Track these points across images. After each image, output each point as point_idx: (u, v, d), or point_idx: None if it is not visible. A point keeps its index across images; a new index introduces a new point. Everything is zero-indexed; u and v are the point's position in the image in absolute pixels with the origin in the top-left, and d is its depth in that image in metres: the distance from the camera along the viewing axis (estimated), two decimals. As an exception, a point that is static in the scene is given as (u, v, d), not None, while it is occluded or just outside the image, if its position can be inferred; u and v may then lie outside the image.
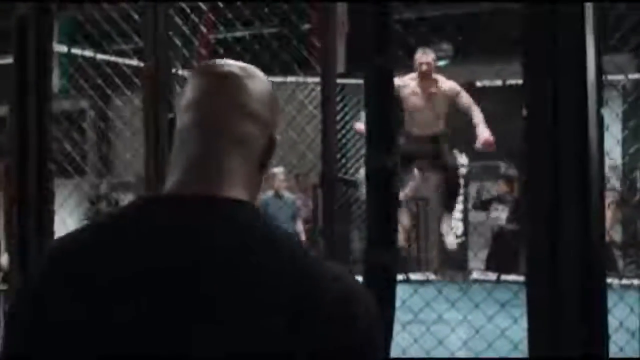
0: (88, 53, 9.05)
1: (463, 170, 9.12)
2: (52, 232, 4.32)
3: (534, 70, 3.34)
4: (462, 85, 10.58)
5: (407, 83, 7.97)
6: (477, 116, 7.80)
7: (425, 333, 4.02)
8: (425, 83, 7.96)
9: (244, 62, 1.59)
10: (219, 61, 1.58)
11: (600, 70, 3.29)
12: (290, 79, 9.88)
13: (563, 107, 3.22)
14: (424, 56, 7.98)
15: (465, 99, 7.96)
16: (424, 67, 7.92)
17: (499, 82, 9.82)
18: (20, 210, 4.18)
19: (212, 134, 1.46)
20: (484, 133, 7.62)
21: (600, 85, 3.31)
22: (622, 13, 7.07)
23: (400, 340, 3.60)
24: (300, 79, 9.97)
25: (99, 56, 9.04)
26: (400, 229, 9.32)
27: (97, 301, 1.34)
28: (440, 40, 11.34)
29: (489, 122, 7.84)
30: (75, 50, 9.16)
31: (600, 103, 3.28)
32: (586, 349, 3.07)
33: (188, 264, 1.33)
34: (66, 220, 6.45)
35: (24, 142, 4.16)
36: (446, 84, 7.97)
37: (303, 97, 10.29)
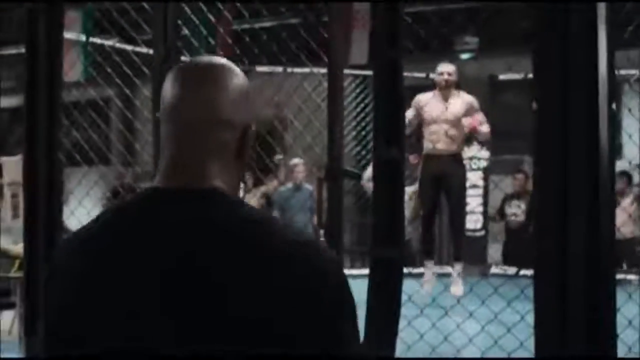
0: (108, 42, 9.09)
1: (484, 163, 9.09)
2: (61, 222, 4.33)
3: (545, 64, 3.30)
4: (485, 78, 10.62)
5: (427, 97, 8.07)
6: (486, 128, 8.02)
7: (430, 328, 3.99)
8: (445, 93, 8.00)
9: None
10: (195, 60, 1.73)
11: (611, 65, 3.25)
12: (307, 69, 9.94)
13: (574, 102, 3.19)
14: (445, 67, 8.06)
15: (480, 115, 8.02)
16: (445, 77, 7.96)
17: (520, 76, 9.75)
18: (30, 200, 4.19)
19: (189, 138, 1.62)
20: (477, 121, 7.88)
21: (612, 79, 3.27)
22: (637, 6, 6.99)
23: (405, 336, 3.58)
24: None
25: (123, 45, 9.06)
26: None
27: (113, 280, 1.55)
28: (465, 33, 11.31)
29: (511, 115, 7.81)
30: (96, 40, 9.20)
31: (611, 98, 3.25)
32: (593, 347, 3.04)
33: (183, 245, 1.53)
34: (91, 211, 6.45)
35: (33, 132, 4.17)
36: (466, 97, 8.02)
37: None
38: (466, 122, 7.83)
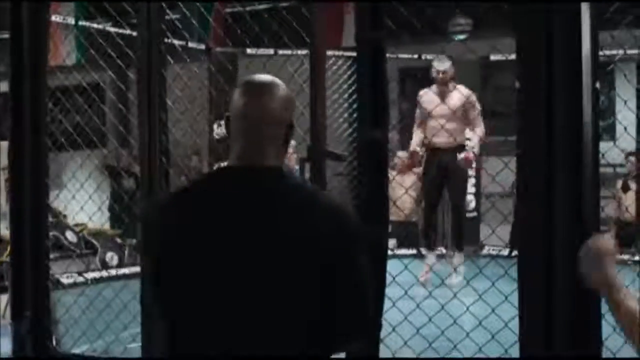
0: (97, 26, 9.06)
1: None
2: (46, 205, 4.33)
3: (528, 43, 3.28)
4: (476, 59, 10.58)
5: (427, 92, 8.28)
6: (477, 134, 8.11)
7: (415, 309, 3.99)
8: (442, 90, 8.19)
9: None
10: (254, 78, 2.45)
11: (595, 44, 3.23)
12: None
13: (557, 80, 3.17)
14: (440, 64, 8.23)
15: (476, 112, 8.17)
16: (440, 75, 8.16)
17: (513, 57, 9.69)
18: (15, 183, 4.19)
19: (253, 133, 2.36)
20: (470, 152, 8.00)
21: (596, 58, 3.25)
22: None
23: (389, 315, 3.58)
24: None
25: (112, 29, 9.01)
26: (407, 202, 9.46)
27: (204, 229, 2.30)
28: (459, 14, 11.26)
29: (505, 95, 7.82)
30: (84, 23, 9.18)
31: (595, 76, 3.23)
32: (579, 330, 3.03)
33: (251, 204, 2.29)
34: (88, 190, 6.47)
35: (18, 115, 4.16)
36: (463, 92, 8.15)
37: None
38: (460, 158, 7.99)
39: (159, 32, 4.14)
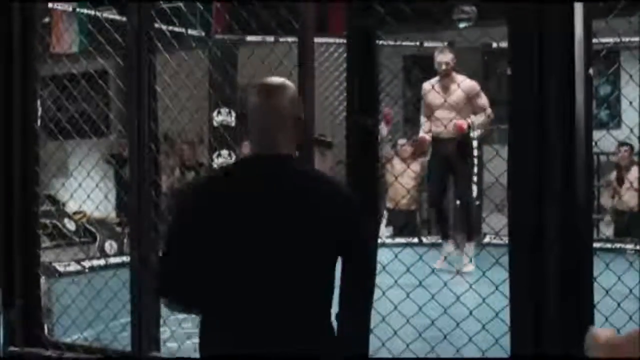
0: (97, 13, 9.03)
1: (479, 133, 9.00)
2: (35, 193, 4.30)
3: (520, 29, 3.24)
4: (479, 46, 10.54)
5: (432, 83, 8.26)
6: (482, 117, 8.11)
7: (405, 299, 3.95)
8: (445, 82, 8.17)
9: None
10: (267, 80, 2.89)
11: (589, 31, 3.19)
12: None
13: (549, 67, 3.12)
14: (442, 56, 8.17)
15: (483, 100, 8.13)
16: (443, 67, 8.11)
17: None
18: (4, 171, 4.16)
19: (269, 127, 2.84)
20: (466, 121, 8.02)
21: (589, 45, 3.20)
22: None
23: (379, 306, 3.54)
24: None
25: (113, 16, 8.98)
26: (404, 190, 9.46)
27: (223, 214, 2.80)
28: (463, 3, 11.21)
29: (504, 84, 7.75)
30: (85, 10, 9.15)
31: (588, 63, 3.18)
32: (569, 317, 3.00)
33: (271, 192, 2.78)
34: (94, 178, 6.46)
35: (8, 102, 4.13)
36: (466, 83, 8.08)
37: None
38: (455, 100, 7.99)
39: (149, 18, 4.11)
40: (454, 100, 7.90)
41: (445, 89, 8.08)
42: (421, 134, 8.41)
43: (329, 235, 2.78)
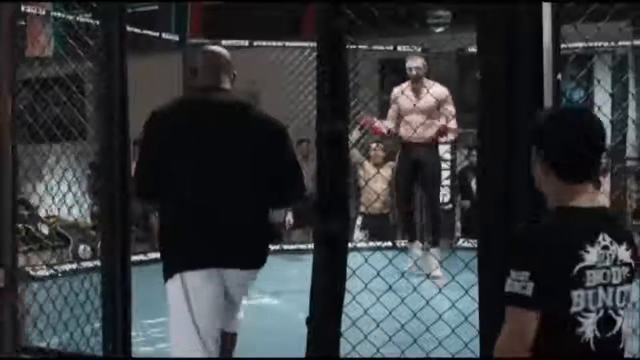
0: (71, 17, 9.00)
1: (451, 137, 9.03)
2: (9, 197, 4.28)
3: (489, 35, 3.25)
4: (454, 51, 10.57)
5: (402, 88, 8.33)
6: (451, 125, 8.24)
7: (375, 303, 3.97)
8: (415, 86, 8.29)
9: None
10: (210, 45, 4.13)
11: (557, 36, 3.21)
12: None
13: (518, 72, 3.14)
14: (412, 61, 8.32)
15: (450, 108, 8.25)
16: (413, 72, 8.26)
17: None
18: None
19: (213, 74, 3.92)
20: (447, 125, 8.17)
21: (557, 50, 3.22)
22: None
23: (350, 310, 3.55)
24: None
25: (87, 20, 8.94)
26: (374, 195, 9.49)
27: (185, 131, 3.75)
28: (437, 7, 11.26)
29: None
30: (58, 14, 9.12)
31: (556, 68, 3.21)
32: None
33: (220, 113, 3.84)
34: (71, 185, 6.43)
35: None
36: (436, 89, 8.17)
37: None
38: (438, 124, 8.13)
39: (122, 21, 4.11)
40: (423, 105, 8.01)
41: (416, 93, 8.18)
42: (377, 123, 8.50)
43: (262, 149, 3.78)
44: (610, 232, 2.42)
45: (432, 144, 8.33)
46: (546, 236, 2.39)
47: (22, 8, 8.12)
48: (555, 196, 2.48)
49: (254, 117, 3.87)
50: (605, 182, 9.75)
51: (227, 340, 4.03)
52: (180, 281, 3.68)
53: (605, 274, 2.38)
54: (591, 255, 2.35)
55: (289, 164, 3.92)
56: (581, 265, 2.33)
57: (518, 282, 2.33)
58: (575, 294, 2.32)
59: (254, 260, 3.86)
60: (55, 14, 9.59)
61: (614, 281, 2.40)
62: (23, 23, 9.09)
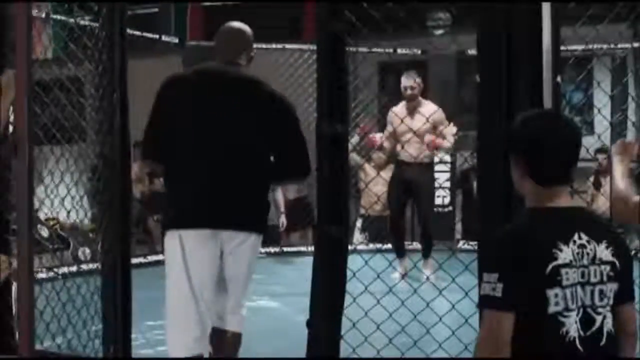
0: (70, 19, 9.01)
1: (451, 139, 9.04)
2: (6, 199, 4.27)
3: (488, 37, 3.25)
4: (454, 54, 10.57)
5: (397, 109, 8.31)
6: (448, 143, 8.22)
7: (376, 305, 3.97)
8: (411, 106, 8.26)
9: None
10: (230, 23, 4.20)
11: (557, 38, 3.21)
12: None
13: (517, 74, 3.14)
14: (408, 80, 8.26)
15: (446, 130, 8.18)
16: (409, 91, 8.21)
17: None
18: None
19: (232, 48, 4.07)
20: (438, 139, 8.12)
21: (557, 53, 3.23)
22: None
23: (350, 312, 3.56)
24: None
25: (87, 23, 8.94)
26: (375, 197, 9.48)
27: (195, 100, 3.94)
28: (438, 9, 11.27)
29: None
30: (56, 16, 9.13)
31: (556, 70, 3.21)
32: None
33: (230, 86, 3.98)
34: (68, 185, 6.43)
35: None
36: (431, 109, 8.11)
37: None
38: (427, 139, 8.07)
39: (123, 23, 4.13)
40: (417, 126, 7.91)
41: (411, 113, 8.16)
42: (373, 135, 8.53)
43: (270, 122, 3.93)
44: (588, 230, 2.42)
45: (426, 163, 8.33)
46: (517, 236, 2.41)
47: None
48: (533, 198, 2.50)
49: (264, 92, 3.99)
50: (606, 184, 9.75)
51: (228, 340, 4.03)
52: (177, 238, 3.83)
53: (583, 273, 2.38)
54: (565, 254, 2.35)
55: (296, 140, 3.99)
56: (554, 263, 2.33)
57: (488, 284, 2.34)
58: (551, 293, 2.33)
59: (251, 223, 3.97)
60: (55, 16, 9.59)
61: (592, 280, 2.40)
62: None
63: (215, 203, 3.87)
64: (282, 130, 3.97)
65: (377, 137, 8.43)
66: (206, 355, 3.84)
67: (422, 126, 7.84)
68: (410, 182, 8.21)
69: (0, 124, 4.04)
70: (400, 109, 8.27)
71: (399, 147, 8.22)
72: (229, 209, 3.90)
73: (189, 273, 3.81)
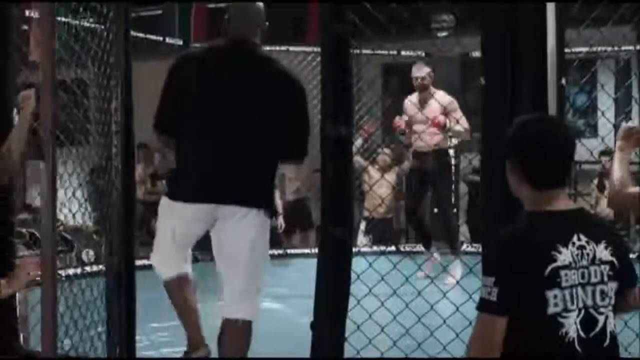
0: (72, 21, 9.02)
1: (455, 141, 9.02)
2: (7, 202, 4.27)
3: (493, 40, 3.26)
4: (457, 56, 10.58)
5: (410, 98, 8.37)
6: (460, 127, 8.07)
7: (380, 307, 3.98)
8: (422, 96, 8.27)
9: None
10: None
11: (561, 40, 3.21)
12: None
13: (521, 77, 3.15)
14: (418, 71, 8.28)
15: (458, 115, 8.07)
16: (419, 81, 8.22)
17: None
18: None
19: (245, 26, 4.10)
20: (442, 118, 8.02)
21: (562, 55, 3.23)
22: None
23: (354, 315, 3.56)
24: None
25: (90, 25, 8.95)
26: (385, 199, 9.48)
27: (208, 77, 4.00)
28: (442, 11, 11.26)
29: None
30: (61, 18, 9.13)
31: (560, 73, 3.21)
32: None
33: (242, 63, 4.04)
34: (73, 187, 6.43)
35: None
36: (443, 98, 8.12)
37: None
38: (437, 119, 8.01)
39: (128, 25, 4.13)
40: (430, 114, 7.94)
41: (422, 103, 8.17)
42: (399, 119, 8.40)
43: (278, 100, 3.96)
44: (587, 231, 2.43)
45: (441, 151, 8.28)
46: (515, 240, 2.43)
47: (26, 12, 8.12)
48: (531, 202, 2.50)
49: (276, 70, 4.07)
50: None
51: (238, 329, 3.98)
52: (174, 206, 4.05)
53: (583, 274, 2.39)
54: (564, 256, 2.37)
55: (299, 121, 4.04)
56: (553, 265, 2.35)
57: (485, 287, 2.36)
58: (550, 294, 2.34)
59: (252, 198, 3.98)
60: (59, 18, 9.58)
61: (593, 280, 2.41)
62: (26, 27, 9.11)
63: (218, 178, 3.94)
64: (289, 110, 4.01)
65: (401, 120, 8.40)
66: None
67: (432, 114, 7.87)
68: (427, 172, 8.21)
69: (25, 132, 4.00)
70: (414, 98, 8.30)
71: (413, 138, 8.22)
72: (231, 184, 3.94)
73: (175, 228, 4.04)
